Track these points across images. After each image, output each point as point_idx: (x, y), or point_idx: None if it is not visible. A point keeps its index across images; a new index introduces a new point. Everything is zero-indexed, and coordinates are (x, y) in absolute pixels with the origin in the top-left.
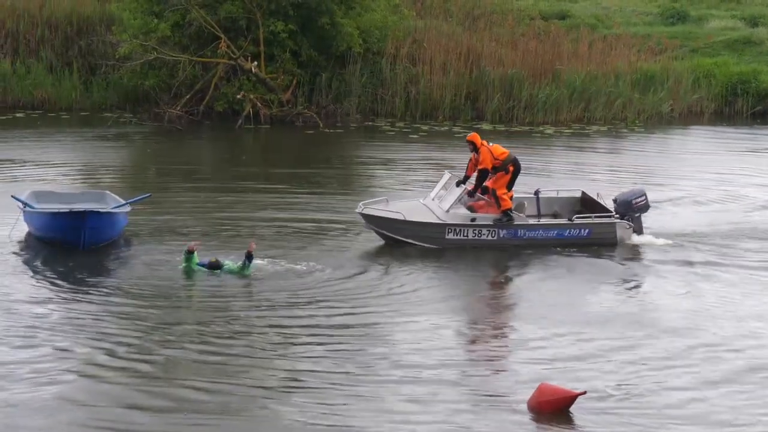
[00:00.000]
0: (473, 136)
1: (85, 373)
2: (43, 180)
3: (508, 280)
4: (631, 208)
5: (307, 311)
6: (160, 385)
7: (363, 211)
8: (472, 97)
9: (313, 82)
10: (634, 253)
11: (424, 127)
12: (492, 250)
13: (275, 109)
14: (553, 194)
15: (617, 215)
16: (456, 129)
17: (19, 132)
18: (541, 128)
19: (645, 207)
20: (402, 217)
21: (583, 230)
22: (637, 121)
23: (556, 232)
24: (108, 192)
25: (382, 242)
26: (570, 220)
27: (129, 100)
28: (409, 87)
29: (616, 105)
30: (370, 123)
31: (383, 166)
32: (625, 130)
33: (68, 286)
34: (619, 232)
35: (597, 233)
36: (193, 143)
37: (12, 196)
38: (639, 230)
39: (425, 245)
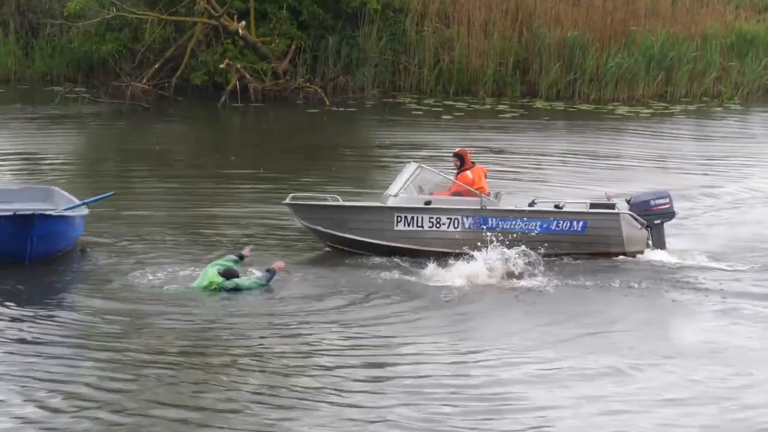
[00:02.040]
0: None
1: None
2: None
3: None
4: (651, 213)
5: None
6: None
7: (290, 202)
8: (521, 67)
9: (318, 48)
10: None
11: (460, 105)
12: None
13: (269, 83)
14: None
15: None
16: (501, 107)
17: None
18: (611, 106)
19: (667, 213)
20: (337, 203)
21: (575, 223)
22: (734, 98)
23: (539, 224)
24: (56, 188)
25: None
26: (558, 207)
27: (81, 70)
28: (441, 54)
29: (706, 77)
30: (390, 100)
31: (405, 154)
32: (719, 109)
33: (9, 313)
34: (626, 230)
35: (595, 228)
36: (163, 126)
37: None
38: (659, 243)
39: (370, 241)
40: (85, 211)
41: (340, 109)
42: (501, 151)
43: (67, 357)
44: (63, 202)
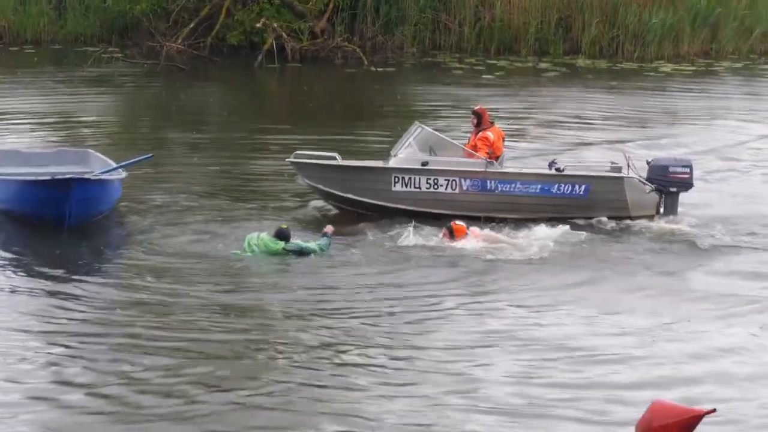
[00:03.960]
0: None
1: (70, 406)
2: (2, 136)
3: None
4: (666, 179)
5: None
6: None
7: (293, 159)
8: (563, 24)
9: (356, 7)
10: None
11: (502, 64)
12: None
13: (306, 42)
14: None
15: (648, 184)
16: (543, 66)
17: None
18: (655, 65)
19: (684, 183)
20: (336, 162)
21: (578, 186)
22: None
23: (539, 186)
24: (91, 151)
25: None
26: (557, 169)
27: (115, 31)
28: (482, 12)
29: (753, 33)
30: (430, 59)
31: (447, 115)
32: (767, 67)
33: (49, 276)
34: (631, 194)
35: (598, 192)
36: (199, 87)
37: None
38: (671, 210)
39: (369, 202)
40: (122, 174)
41: (379, 69)
42: (543, 111)
43: (104, 319)
44: (99, 165)
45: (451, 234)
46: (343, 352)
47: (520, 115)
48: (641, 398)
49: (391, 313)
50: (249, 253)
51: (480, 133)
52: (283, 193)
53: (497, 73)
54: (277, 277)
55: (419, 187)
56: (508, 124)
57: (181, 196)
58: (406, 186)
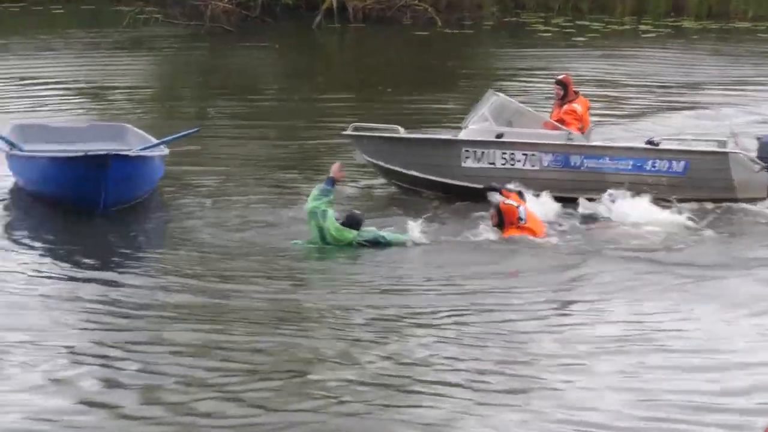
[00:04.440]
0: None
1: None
2: (27, 108)
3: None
4: None
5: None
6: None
7: (351, 132)
8: None
9: None
10: None
11: (595, 26)
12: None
13: (370, 1)
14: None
15: (760, 164)
16: (643, 28)
17: None
18: None
19: None
20: (399, 135)
21: (675, 163)
22: None
23: (631, 162)
24: (128, 125)
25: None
26: (651, 143)
27: None
28: None
29: None
30: (512, 19)
31: (528, 84)
32: None
33: (82, 269)
34: (737, 173)
35: (698, 170)
36: (248, 52)
37: None
38: None
39: (436, 180)
40: (164, 150)
41: (454, 30)
42: (640, 77)
43: (142, 328)
44: (136, 141)
45: (500, 216)
46: (430, 366)
47: (613, 83)
48: None
49: (482, 317)
50: (314, 242)
51: (565, 105)
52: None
53: (590, 35)
54: (345, 273)
55: (493, 163)
56: (599, 92)
57: (231, 175)
58: (479, 161)
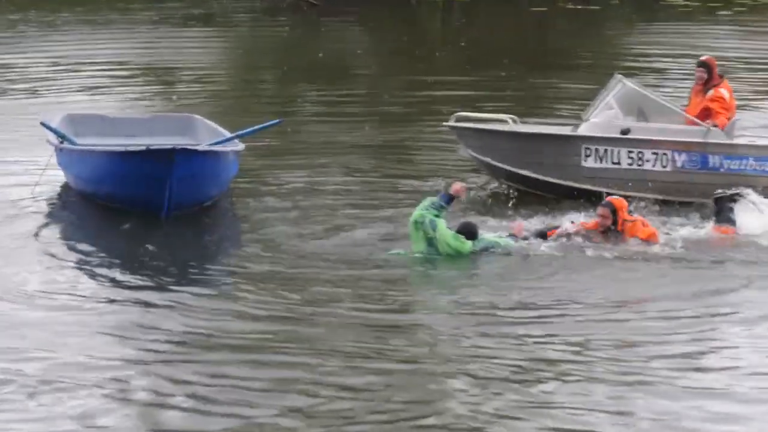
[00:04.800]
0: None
1: None
2: (81, 96)
3: None
4: None
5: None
6: None
7: (454, 124)
8: None
9: None
10: None
11: None
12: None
13: None
14: None
15: None
16: None
17: (34, 13)
18: None
19: None
20: (510, 128)
21: None
22: None
23: None
24: (197, 116)
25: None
26: None
27: None
28: None
29: None
30: None
31: (663, 67)
32: None
33: (141, 282)
34: None
35: None
36: (337, 29)
37: (41, 123)
38: None
39: (552, 181)
40: (239, 145)
41: (577, 6)
42: None
43: (209, 361)
44: (207, 134)
45: (614, 213)
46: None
47: (763, 66)
48: None
49: (615, 340)
50: (418, 252)
51: (710, 91)
52: (445, 168)
53: (736, 9)
54: (458, 291)
55: (618, 163)
56: (745, 77)
57: (318, 175)
58: (601, 161)
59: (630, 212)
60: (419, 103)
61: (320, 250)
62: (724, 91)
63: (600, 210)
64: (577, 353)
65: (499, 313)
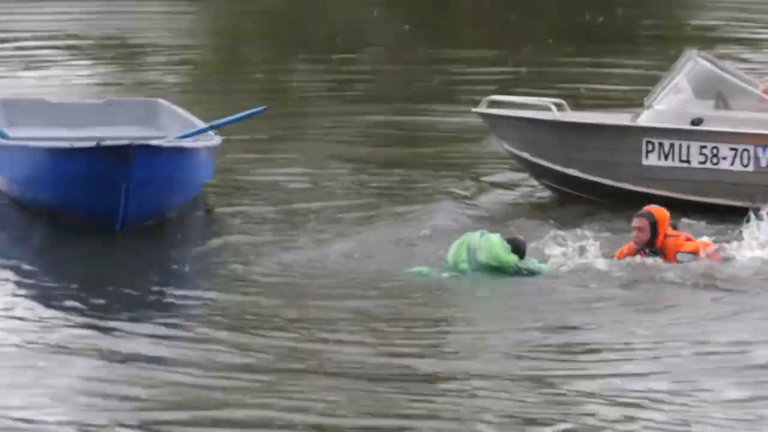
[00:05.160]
0: None
1: None
2: (17, 76)
3: None
4: None
5: None
6: None
7: (484, 110)
8: None
9: None
10: None
11: None
12: None
13: None
14: None
15: None
16: None
17: None
18: None
19: None
20: (549, 116)
21: None
22: None
23: None
24: (162, 102)
25: None
26: None
27: None
28: None
29: None
30: None
31: (747, 39)
32: None
33: (89, 314)
34: None
35: None
36: None
37: None
38: None
39: (603, 182)
40: (214, 139)
41: None
42: None
43: (183, 406)
44: (175, 125)
45: (653, 226)
46: None
47: None
48: None
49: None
50: (451, 269)
51: None
52: (472, 164)
53: None
54: (495, 319)
55: (687, 161)
56: None
57: (314, 175)
58: (666, 158)
59: (674, 226)
60: (441, 84)
61: (315, 271)
62: None
63: (635, 221)
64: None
65: (545, 352)
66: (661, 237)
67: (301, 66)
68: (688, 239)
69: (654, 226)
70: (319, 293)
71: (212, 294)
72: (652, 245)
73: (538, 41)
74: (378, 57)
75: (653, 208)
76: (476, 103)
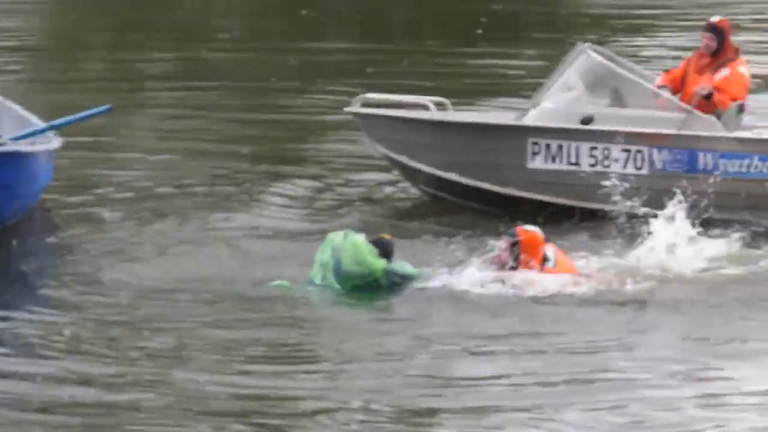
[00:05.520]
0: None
1: None
2: None
3: None
4: None
5: None
6: None
7: (356, 110)
8: None
9: None
10: None
11: None
12: None
13: None
14: None
15: None
16: None
17: None
18: None
19: None
20: (427, 115)
21: None
22: None
23: None
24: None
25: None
26: None
27: None
28: None
29: None
30: None
31: (653, 35)
32: None
33: None
34: None
35: None
36: None
37: None
38: None
39: (487, 188)
40: (54, 141)
41: None
42: None
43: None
44: (10, 124)
45: (516, 247)
46: None
47: None
48: None
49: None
50: (316, 279)
51: (722, 67)
52: (346, 168)
53: None
54: (364, 336)
55: (577, 163)
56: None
57: (164, 178)
58: (553, 160)
59: (546, 260)
60: (308, 77)
61: (166, 285)
62: (743, 69)
63: (501, 241)
64: None
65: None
66: (524, 261)
67: (147, 53)
68: (561, 268)
69: (516, 247)
70: (164, 315)
71: (42, 312)
72: (514, 268)
73: (418, 33)
74: (233, 49)
75: (521, 229)
76: (348, 102)
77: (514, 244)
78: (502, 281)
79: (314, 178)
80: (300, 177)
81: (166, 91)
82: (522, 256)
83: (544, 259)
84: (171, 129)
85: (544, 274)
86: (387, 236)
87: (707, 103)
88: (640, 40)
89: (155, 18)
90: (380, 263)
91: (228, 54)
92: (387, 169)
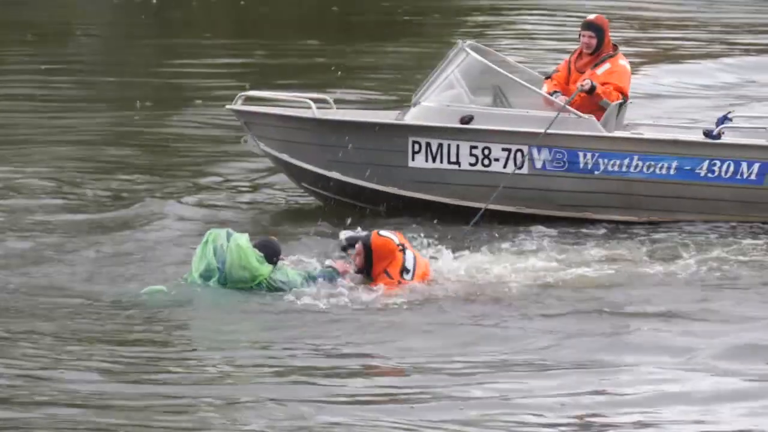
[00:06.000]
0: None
1: None
2: None
3: None
4: None
5: None
6: None
7: (238, 107)
8: None
9: None
10: None
11: None
12: None
13: None
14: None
15: None
16: None
17: None
18: None
19: None
20: (308, 114)
21: (746, 166)
22: None
23: (675, 164)
24: None
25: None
26: (709, 134)
27: None
28: None
29: None
30: None
31: (532, 32)
32: None
33: None
34: None
35: None
36: None
37: None
38: None
39: (367, 186)
40: None
41: None
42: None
43: None
44: None
45: (368, 254)
46: None
47: (655, 24)
48: None
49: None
50: (195, 281)
51: (605, 65)
52: (228, 171)
53: None
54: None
55: (457, 162)
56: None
57: (24, 179)
58: (434, 159)
59: (405, 271)
60: (182, 77)
61: (38, 291)
62: (625, 64)
63: (357, 246)
64: None
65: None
66: (377, 268)
67: (7, 54)
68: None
69: (369, 251)
70: (44, 327)
71: None
72: (368, 274)
73: (297, 32)
74: (101, 42)
75: (375, 235)
76: (228, 99)
77: (367, 250)
78: (346, 295)
79: (193, 176)
80: (177, 177)
81: (26, 95)
82: (375, 264)
83: (403, 269)
84: (37, 131)
85: (398, 286)
86: (272, 237)
87: (590, 100)
88: (526, 38)
89: (13, 18)
90: (265, 269)
91: (96, 55)
92: (270, 167)
